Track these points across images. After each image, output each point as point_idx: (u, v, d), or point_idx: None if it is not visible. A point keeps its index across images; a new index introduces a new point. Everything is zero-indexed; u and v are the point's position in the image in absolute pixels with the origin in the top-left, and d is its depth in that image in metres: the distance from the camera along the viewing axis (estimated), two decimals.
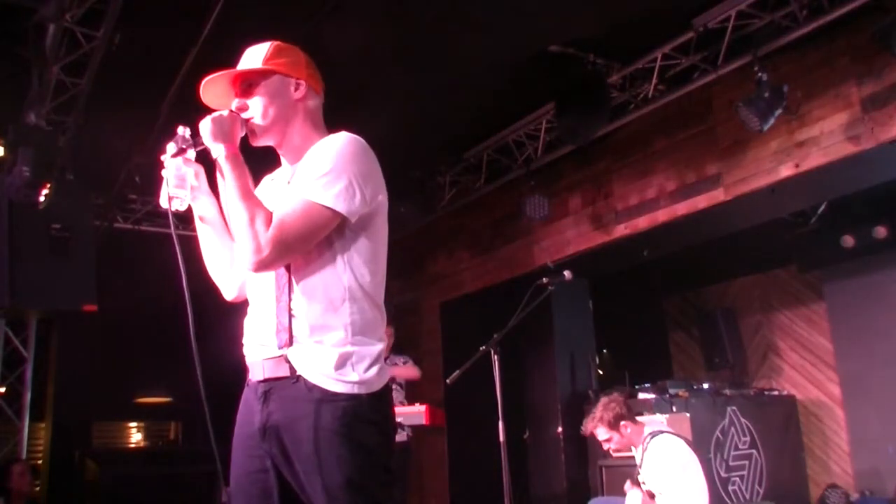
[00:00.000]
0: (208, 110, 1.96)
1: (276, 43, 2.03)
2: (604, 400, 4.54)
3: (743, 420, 6.40)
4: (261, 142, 2.01)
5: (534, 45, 5.47)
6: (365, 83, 5.56)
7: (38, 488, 6.78)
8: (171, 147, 1.96)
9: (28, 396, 6.86)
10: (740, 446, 6.30)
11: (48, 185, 5.18)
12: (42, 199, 5.24)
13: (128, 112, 5.74)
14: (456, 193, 7.69)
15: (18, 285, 5.39)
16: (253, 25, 4.71)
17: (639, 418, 4.55)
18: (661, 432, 4.40)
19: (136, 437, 8.72)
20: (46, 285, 5.53)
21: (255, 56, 2.01)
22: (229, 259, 2.07)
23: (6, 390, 6.87)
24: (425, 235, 8.28)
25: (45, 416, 7.18)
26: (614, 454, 4.66)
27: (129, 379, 7.75)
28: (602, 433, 4.42)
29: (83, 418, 7.28)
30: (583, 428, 4.61)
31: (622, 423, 4.37)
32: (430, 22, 5.09)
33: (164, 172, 1.96)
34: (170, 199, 1.94)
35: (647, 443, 4.32)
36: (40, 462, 7.08)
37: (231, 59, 2.08)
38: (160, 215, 7.61)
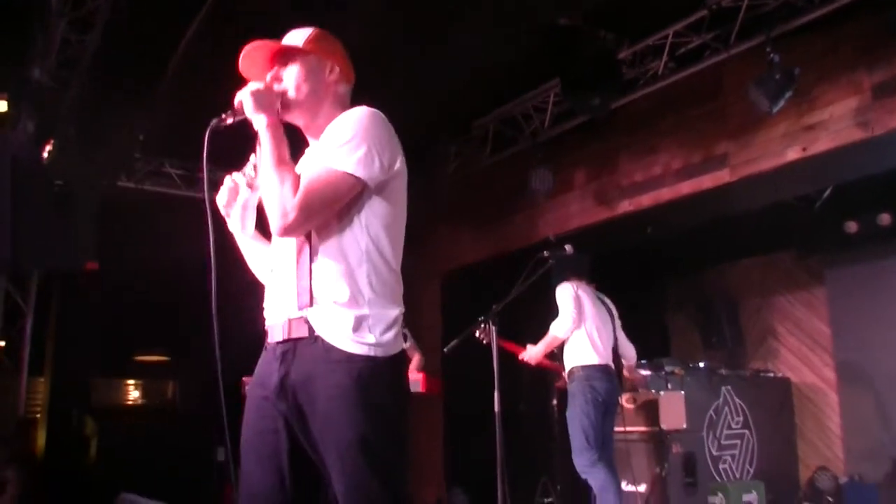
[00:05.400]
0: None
1: (318, 29, 2.15)
2: None
3: (737, 400, 6.45)
4: (290, 117, 2.09)
5: (544, 18, 5.42)
6: (372, 55, 5.50)
7: (36, 443, 6.85)
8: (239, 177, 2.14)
9: (27, 351, 6.91)
10: (733, 426, 6.35)
11: (51, 142, 5.16)
12: (46, 155, 5.22)
13: (134, 68, 5.70)
14: (460, 165, 7.66)
15: (21, 242, 5.39)
16: None
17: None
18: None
19: (134, 394, 8.78)
20: (48, 243, 5.52)
21: (297, 37, 2.12)
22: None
23: (5, 344, 6.91)
24: (427, 207, 8.24)
25: (44, 371, 7.22)
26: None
27: (129, 336, 7.78)
28: None
29: (82, 374, 7.32)
30: None
31: None
32: None
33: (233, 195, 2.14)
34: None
35: None
36: (38, 416, 7.14)
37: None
38: (163, 175, 7.59)
